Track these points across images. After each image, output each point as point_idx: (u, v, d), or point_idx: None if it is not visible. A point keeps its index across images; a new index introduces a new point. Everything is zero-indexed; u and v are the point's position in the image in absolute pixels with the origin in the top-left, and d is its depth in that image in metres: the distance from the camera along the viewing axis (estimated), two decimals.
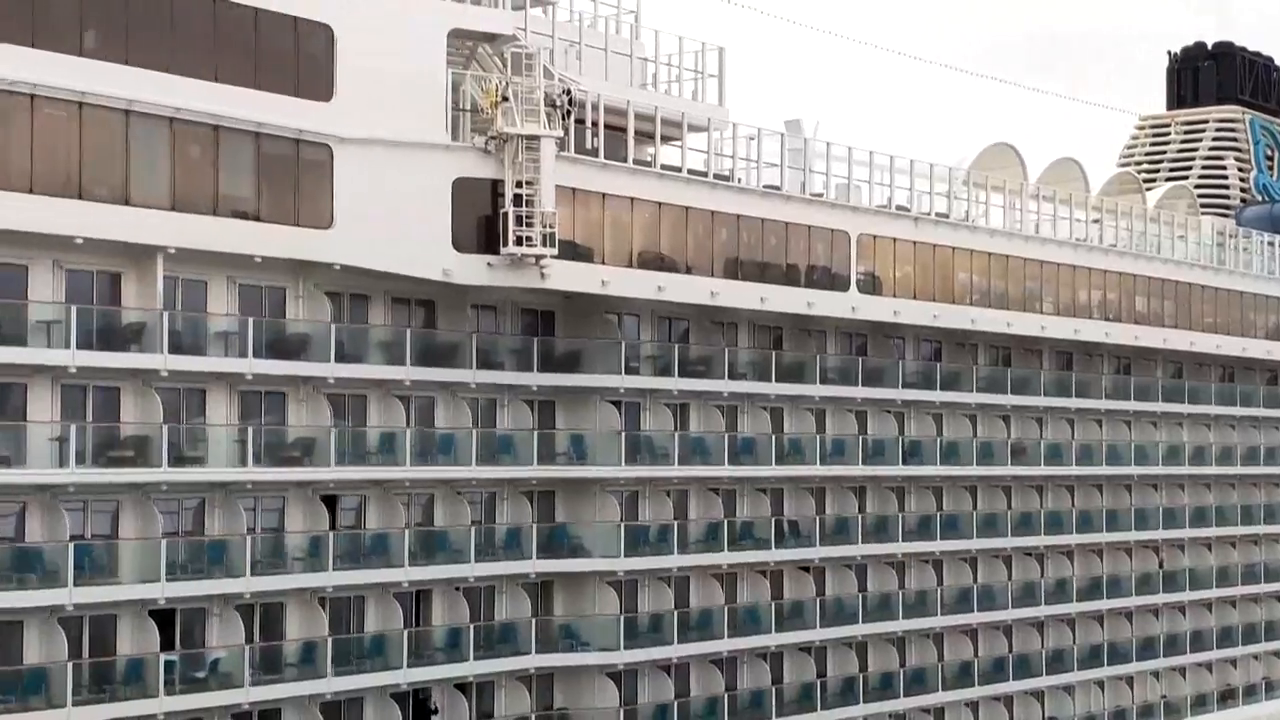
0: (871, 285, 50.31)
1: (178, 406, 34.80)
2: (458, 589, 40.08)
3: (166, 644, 33.94)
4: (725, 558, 45.82)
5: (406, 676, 38.11)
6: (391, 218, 37.15)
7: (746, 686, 46.95)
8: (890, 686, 50.57)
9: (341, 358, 37.29)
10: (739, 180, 46.84)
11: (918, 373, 53.15)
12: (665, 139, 44.79)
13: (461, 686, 39.97)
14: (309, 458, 36.79)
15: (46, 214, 31.62)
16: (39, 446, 32.11)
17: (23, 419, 32.27)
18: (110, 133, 32.59)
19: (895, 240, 50.87)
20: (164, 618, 34.09)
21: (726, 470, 45.99)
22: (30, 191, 31.39)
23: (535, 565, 41.20)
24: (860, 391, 50.47)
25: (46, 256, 32.60)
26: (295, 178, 35.93)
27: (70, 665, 31.85)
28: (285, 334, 36.70)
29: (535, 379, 41.40)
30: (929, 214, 52.66)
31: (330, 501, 37.78)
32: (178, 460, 34.04)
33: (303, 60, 35.73)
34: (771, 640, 46.88)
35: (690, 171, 44.95)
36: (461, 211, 38.67)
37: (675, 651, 44.08)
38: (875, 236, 50.16)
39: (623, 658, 42.49)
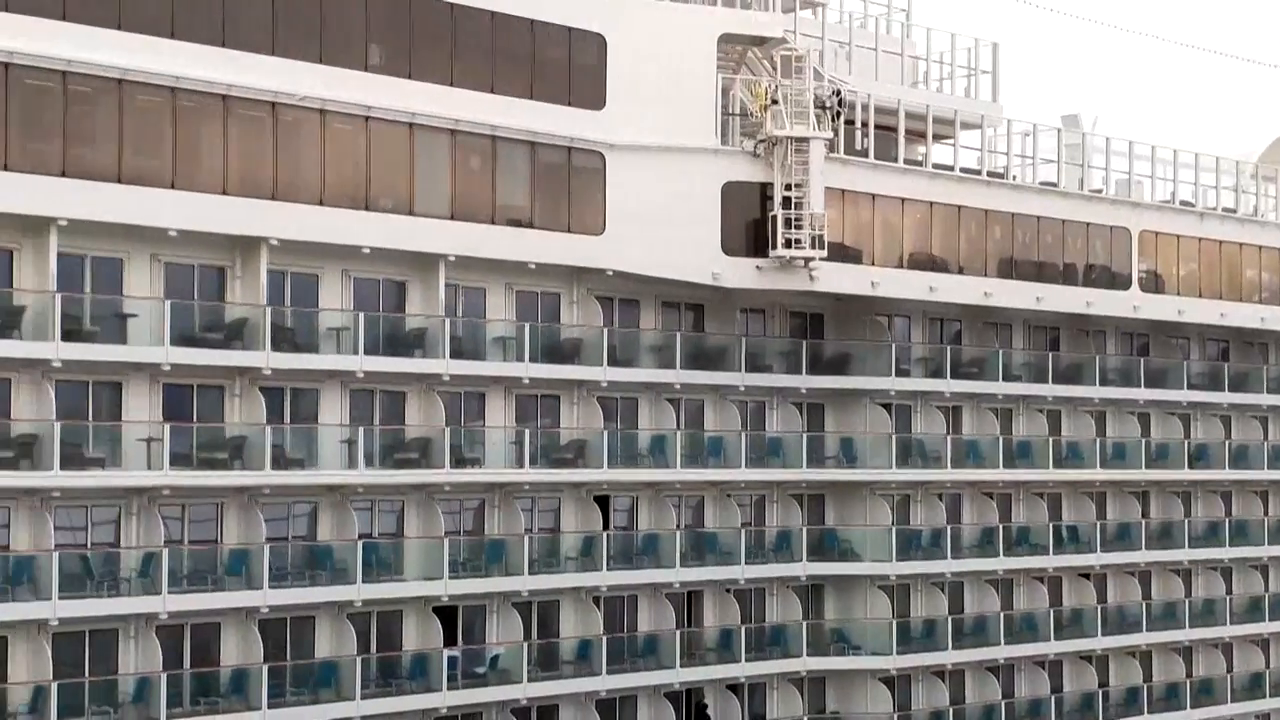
0: (1154, 283, 48.99)
1: (458, 410, 36.12)
2: (728, 590, 40.56)
3: (449, 640, 35.27)
4: (1000, 563, 45.24)
5: (679, 676, 38.75)
6: (662, 223, 37.86)
7: (1024, 695, 46.26)
8: (1176, 697, 49.16)
9: (613, 361, 38.15)
10: (1014, 178, 46.18)
11: (1203, 374, 51.54)
12: (937, 137, 44.48)
13: (734, 687, 40.43)
14: (582, 459, 37.74)
15: (336, 225, 33.24)
16: (330, 449, 33.74)
17: (315, 422, 33.94)
18: (395, 146, 34.07)
19: (1179, 237, 49.45)
20: (446, 614, 35.43)
21: (1001, 474, 45.39)
22: (321, 204, 33.04)
23: (806, 568, 41.41)
24: (1143, 393, 49.22)
25: (337, 266, 34.23)
26: (568, 185, 36.95)
27: (359, 659, 33.39)
28: (559, 339, 37.74)
29: (804, 381, 41.60)
30: (1214, 209, 50.99)
31: (603, 502, 38.68)
32: (458, 462, 35.34)
33: (575, 70, 36.71)
34: (1050, 648, 46.10)
35: (963, 170, 44.54)
36: (731, 215, 39.15)
37: (950, 657, 43.73)
38: (1158, 233, 48.83)
39: (896, 662, 42.38)
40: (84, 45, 29.62)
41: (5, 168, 29.04)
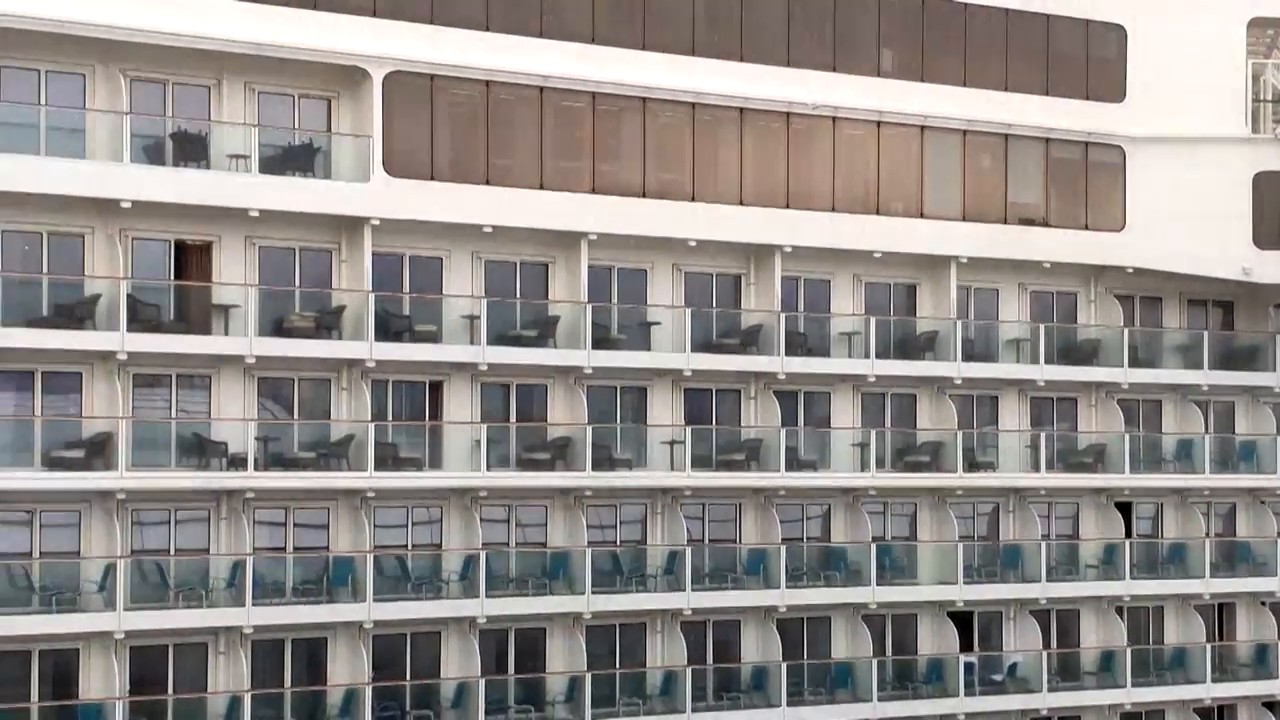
0: None
1: (970, 413, 36.22)
2: (1263, 603, 38.86)
3: (965, 645, 35.44)
4: None
5: (1210, 691, 37.48)
6: (1187, 216, 36.74)
7: None
8: None
9: (1134, 362, 37.27)
10: None
11: None
12: None
13: (1270, 705, 38.71)
14: (1101, 464, 37.06)
15: (847, 230, 34.03)
16: (842, 451, 34.53)
17: (827, 425, 34.84)
18: (906, 149, 34.57)
19: None
20: (962, 619, 35.62)
21: None
22: (832, 210, 33.92)
23: None
24: None
25: (847, 271, 35.02)
26: (1085, 182, 36.40)
27: (875, 662, 34.06)
28: (1076, 339, 37.19)
29: None
30: None
31: (1124, 509, 37.84)
32: (971, 466, 35.45)
33: (1093, 63, 36.14)
34: None
35: None
36: (1263, 207, 37.53)
37: None
38: None
39: None
40: (611, 67, 31.60)
41: (541, 186, 31.38)
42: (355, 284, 30.02)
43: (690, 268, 33.58)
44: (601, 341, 32.06)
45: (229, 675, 28.87)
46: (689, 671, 32.24)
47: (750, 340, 33.80)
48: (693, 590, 32.39)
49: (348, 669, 29.86)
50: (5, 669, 27.19)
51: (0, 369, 27.42)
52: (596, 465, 31.67)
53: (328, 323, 29.82)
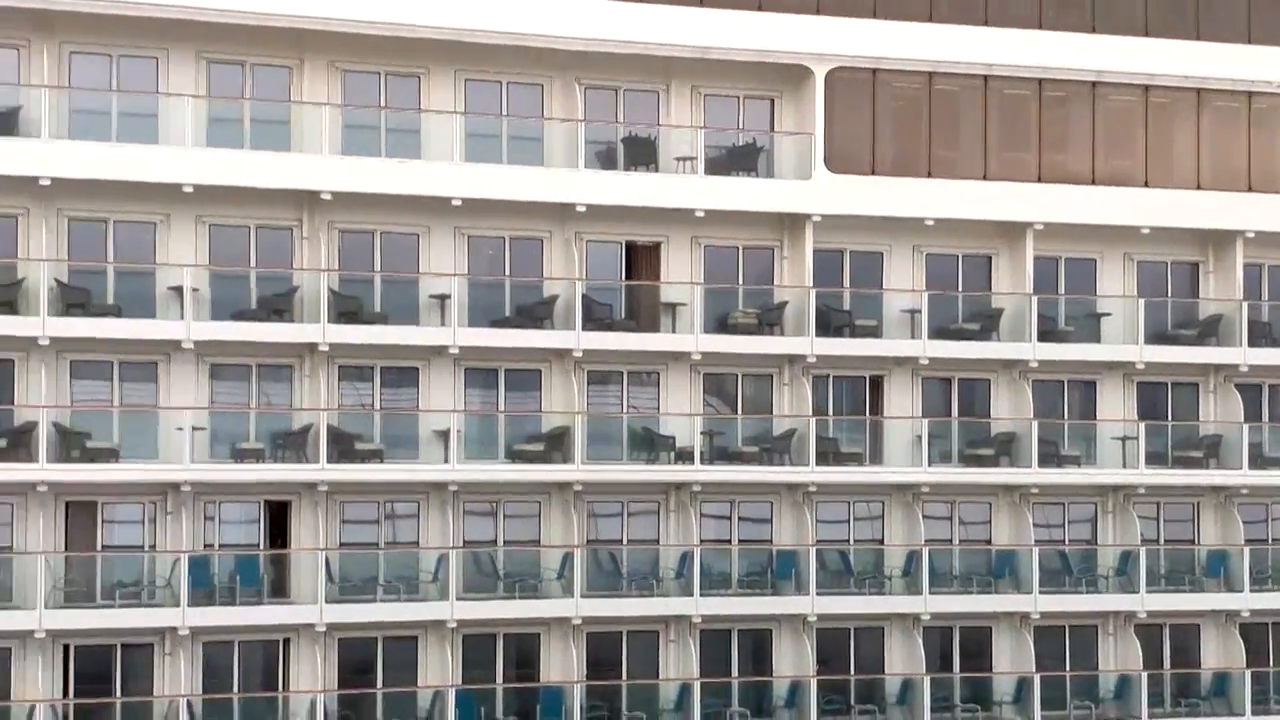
0: None
1: None
2: None
3: None
4: None
5: None
6: None
7: None
8: None
9: None
10: None
11: None
12: None
13: None
14: None
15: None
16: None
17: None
18: None
19: None
20: None
21: None
22: (1197, 188, 32.28)
23: None
24: None
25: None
26: None
27: (1247, 673, 32.01)
28: None
29: None
30: None
31: None
32: None
33: None
34: None
35: None
36: None
37: None
38: None
39: None
40: (1058, 52, 31.16)
41: (985, 177, 31.23)
42: (796, 280, 30.66)
43: (1142, 256, 32.74)
44: (1047, 334, 31.67)
45: (679, 662, 30.02)
46: (1144, 676, 31.52)
47: (1209, 331, 32.70)
48: (1147, 592, 31.63)
49: (792, 661, 30.57)
50: (474, 651, 29.08)
51: (468, 366, 29.35)
52: (1043, 461, 31.31)
53: (770, 319, 30.55)
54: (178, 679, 27.31)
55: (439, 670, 28.60)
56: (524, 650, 29.53)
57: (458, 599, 28.36)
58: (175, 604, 27.04)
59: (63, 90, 27.18)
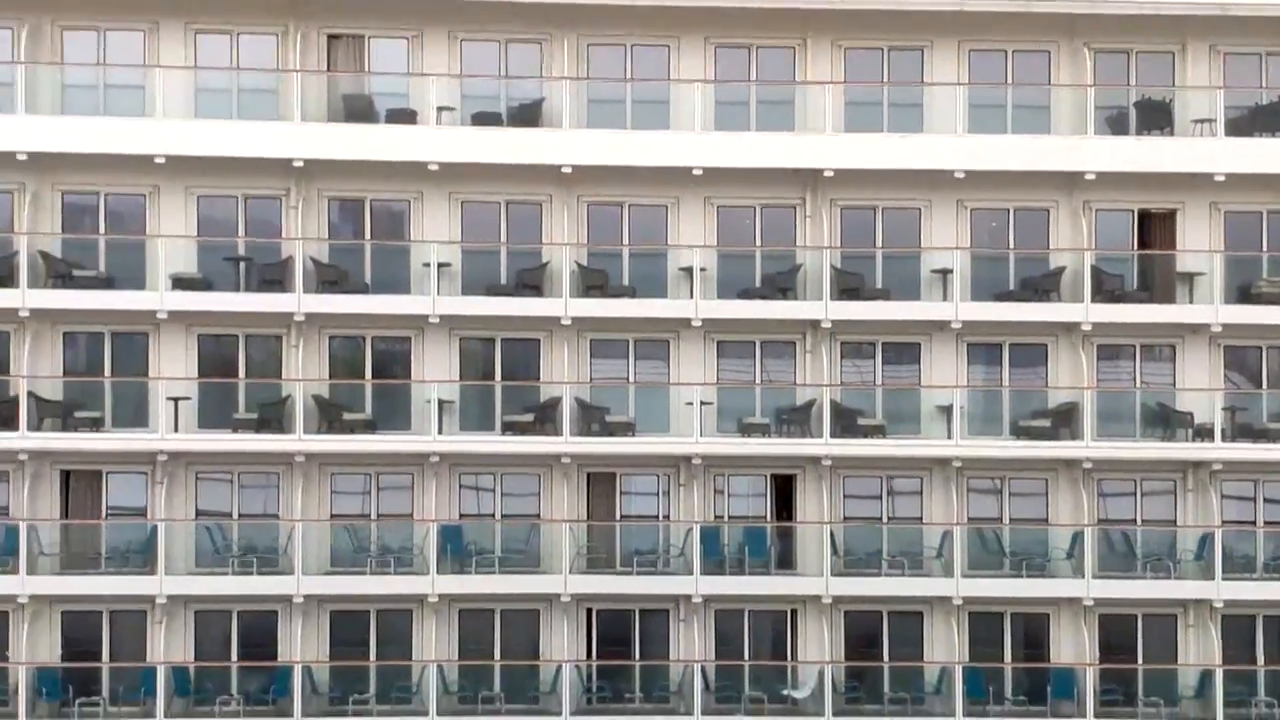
0: None
1: None
2: None
3: None
4: None
5: None
6: None
7: None
8: None
9: None
10: None
11: None
12: None
13: None
14: None
15: None
16: None
17: None
18: None
19: None
20: None
21: None
22: None
23: None
24: None
25: None
26: None
27: None
28: None
29: None
30: None
31: None
32: None
33: None
34: None
35: None
36: None
37: None
38: None
39: None
40: None
41: None
42: None
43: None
44: None
45: (1198, 647, 29.07)
46: None
47: None
48: None
49: None
50: (980, 629, 29.01)
51: (971, 341, 29.30)
52: None
53: None
54: (691, 644, 28.63)
55: (945, 647, 28.82)
56: (1031, 630, 29.29)
57: (963, 576, 28.45)
58: (688, 572, 28.38)
59: (582, 80, 28.89)
